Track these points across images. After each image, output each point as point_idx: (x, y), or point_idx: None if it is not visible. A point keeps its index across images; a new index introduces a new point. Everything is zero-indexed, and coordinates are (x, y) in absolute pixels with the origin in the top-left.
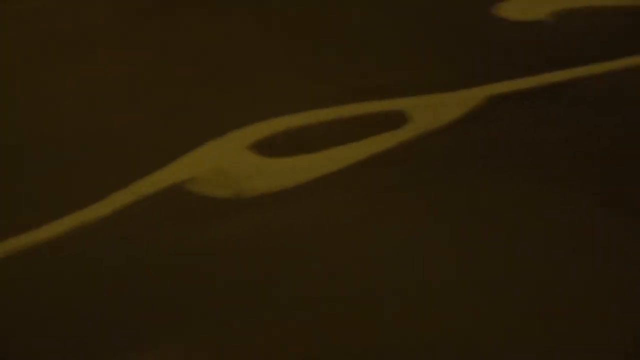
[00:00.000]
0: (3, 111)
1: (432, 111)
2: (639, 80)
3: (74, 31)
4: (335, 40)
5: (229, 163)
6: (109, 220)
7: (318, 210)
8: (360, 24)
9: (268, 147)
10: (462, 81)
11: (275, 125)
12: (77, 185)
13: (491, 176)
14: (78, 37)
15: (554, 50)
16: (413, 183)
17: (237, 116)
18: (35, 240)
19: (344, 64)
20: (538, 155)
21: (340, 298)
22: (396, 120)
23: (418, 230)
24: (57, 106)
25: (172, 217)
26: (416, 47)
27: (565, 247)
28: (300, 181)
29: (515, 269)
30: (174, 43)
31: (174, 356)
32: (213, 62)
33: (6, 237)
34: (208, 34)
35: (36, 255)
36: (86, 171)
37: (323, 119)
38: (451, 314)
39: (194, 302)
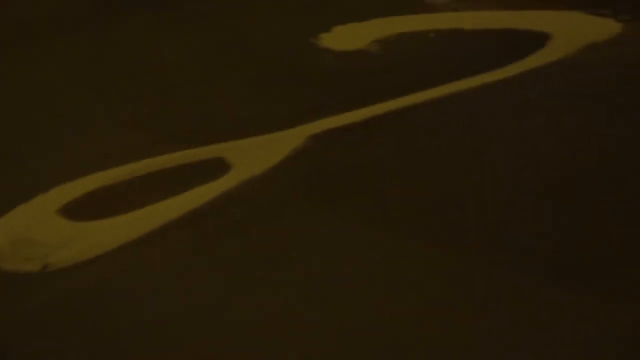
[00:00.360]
0: None
1: (253, 155)
2: (463, 106)
3: None
4: (148, 83)
5: (36, 232)
6: None
7: (131, 276)
8: (173, 66)
9: (79, 210)
10: (284, 120)
11: (86, 184)
12: None
13: (313, 217)
14: None
15: (377, 81)
16: (235, 233)
17: (45, 177)
18: None
19: (158, 109)
20: (357, 193)
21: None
22: (217, 168)
23: (236, 278)
24: None
25: None
26: (234, 87)
27: (384, 284)
28: (113, 246)
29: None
30: None
31: None
32: (17, 118)
33: None
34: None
35: None
36: None
37: (139, 171)
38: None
39: None
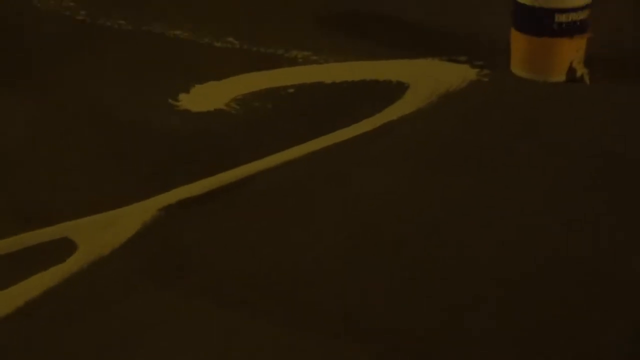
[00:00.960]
0: None
1: (99, 233)
2: (305, 171)
3: None
4: None
5: None
6: None
7: None
8: (15, 141)
9: None
10: (134, 193)
11: None
12: None
13: (156, 298)
14: None
15: (231, 142)
16: (78, 320)
17: None
18: None
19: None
20: (201, 268)
21: None
22: (62, 249)
23: None
24: None
25: None
26: (81, 158)
27: None
28: None
29: None
30: None
31: None
32: None
33: None
34: None
35: None
36: None
37: None
38: None
39: None
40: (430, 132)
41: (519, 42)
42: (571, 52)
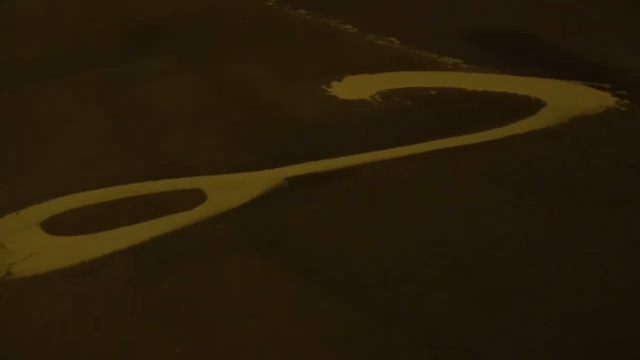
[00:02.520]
0: None
1: (228, 190)
2: (425, 169)
3: None
4: (145, 117)
5: (13, 240)
6: None
7: (74, 300)
8: (172, 103)
9: (58, 225)
10: (265, 162)
11: (72, 201)
12: None
13: (252, 265)
14: None
15: (363, 131)
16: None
17: (37, 190)
18: None
19: (149, 141)
20: (296, 246)
21: None
22: (193, 199)
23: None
24: None
25: None
26: (225, 127)
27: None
28: (75, 262)
29: None
30: None
31: None
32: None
33: None
34: None
35: None
36: None
37: (122, 195)
38: None
39: None
40: (546, 152)
41: None
42: None
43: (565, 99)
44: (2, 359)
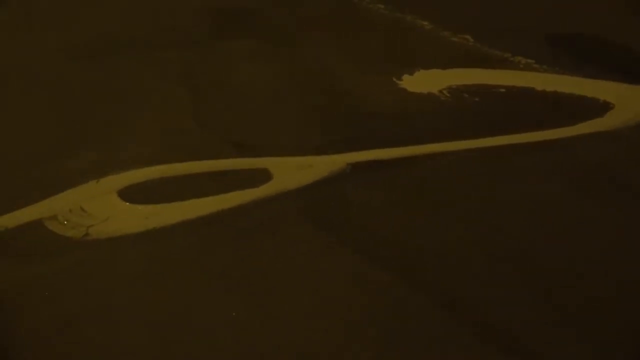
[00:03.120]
0: None
1: (293, 172)
2: (480, 163)
3: None
4: (226, 97)
5: (93, 205)
6: None
7: (142, 262)
8: (249, 86)
9: (135, 193)
10: (330, 147)
11: (147, 173)
12: None
13: (307, 240)
14: None
15: (429, 123)
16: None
17: (117, 160)
18: None
19: (227, 119)
20: (354, 227)
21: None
22: (260, 177)
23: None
24: None
25: (20, 252)
26: (297, 111)
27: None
28: (146, 229)
29: None
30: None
31: None
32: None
33: None
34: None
35: None
36: None
37: (195, 170)
38: None
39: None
40: (609, 154)
41: None
42: None
43: (633, 103)
44: (74, 305)
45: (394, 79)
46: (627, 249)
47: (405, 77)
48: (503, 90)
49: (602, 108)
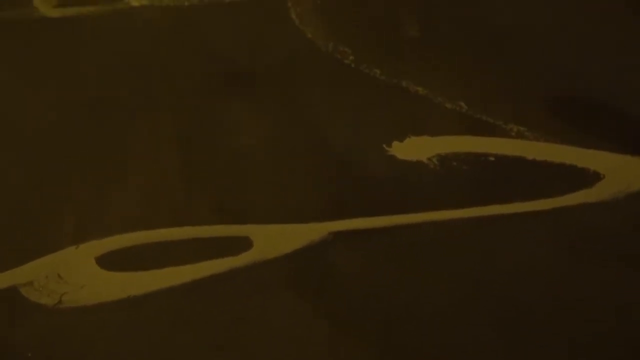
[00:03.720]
0: None
1: (274, 240)
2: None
3: None
4: (210, 157)
5: (70, 271)
6: None
7: (121, 328)
8: (247, 148)
9: (114, 260)
10: (314, 214)
11: (128, 239)
12: None
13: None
14: None
15: (415, 191)
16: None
17: (99, 225)
18: None
19: (214, 183)
20: (335, 296)
21: None
22: (241, 245)
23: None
24: None
25: None
26: (285, 175)
27: None
28: (121, 297)
29: None
30: None
31: None
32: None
33: None
34: None
35: None
36: None
37: (176, 237)
38: None
39: None
40: (596, 226)
41: None
42: None
43: (625, 173)
44: None
45: (384, 145)
46: (622, 315)
47: (395, 143)
48: (492, 158)
49: (593, 178)
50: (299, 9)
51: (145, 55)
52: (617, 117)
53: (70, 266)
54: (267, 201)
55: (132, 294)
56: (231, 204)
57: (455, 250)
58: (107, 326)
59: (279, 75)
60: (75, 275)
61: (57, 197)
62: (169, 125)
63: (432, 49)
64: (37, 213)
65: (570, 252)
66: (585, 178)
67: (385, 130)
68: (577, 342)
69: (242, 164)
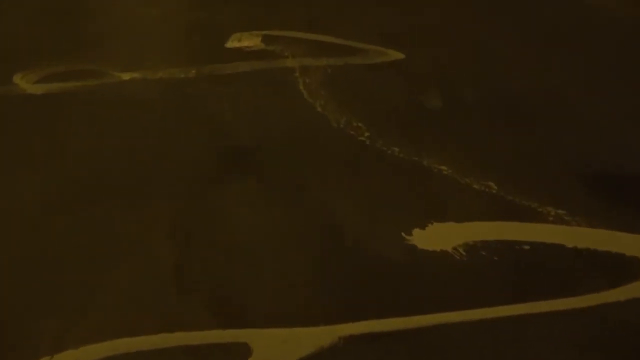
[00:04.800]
0: None
1: (274, 346)
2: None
3: None
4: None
5: None
6: None
7: None
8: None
9: None
10: (323, 315)
11: (113, 347)
12: None
13: None
14: None
15: (435, 288)
16: None
17: (81, 330)
18: None
19: (211, 280)
20: None
21: None
22: (240, 351)
23: None
24: None
25: None
26: (292, 266)
27: None
28: None
29: None
30: None
31: None
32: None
33: None
34: None
35: None
36: None
37: (166, 344)
38: None
39: None
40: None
41: None
42: None
43: None
44: None
45: (403, 234)
46: None
47: (416, 231)
48: (527, 247)
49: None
50: (307, 79)
51: (137, 134)
52: None
53: None
54: (269, 300)
55: None
56: (229, 304)
57: (483, 357)
58: None
59: (285, 153)
60: None
61: (36, 300)
62: (162, 214)
63: (455, 122)
64: (14, 317)
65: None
66: (635, 269)
67: (404, 216)
68: None
69: (242, 257)
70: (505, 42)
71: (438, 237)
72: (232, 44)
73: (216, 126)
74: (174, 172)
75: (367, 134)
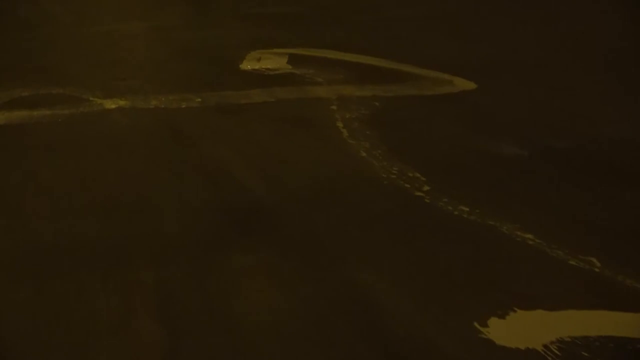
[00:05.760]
0: None
1: None
2: None
3: None
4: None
5: None
6: None
7: None
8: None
9: None
10: None
11: None
12: None
13: None
14: None
15: None
16: None
17: None
18: None
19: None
20: None
21: None
22: None
23: None
24: None
25: None
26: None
27: None
28: None
29: None
30: None
31: None
32: None
33: None
34: None
35: None
36: None
37: None
38: None
39: None
40: None
41: None
42: None
43: None
44: None
45: (476, 324)
46: None
47: (493, 320)
48: None
49: None
50: (347, 114)
51: (120, 181)
52: None
53: None
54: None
55: None
56: None
57: None
58: None
59: (313, 214)
60: None
61: None
62: (150, 289)
63: (543, 176)
64: None
65: None
66: None
67: (476, 303)
68: None
69: (248, 351)
70: (599, 78)
71: (522, 330)
72: (248, 65)
73: (221, 175)
74: (162, 235)
75: (426, 187)
